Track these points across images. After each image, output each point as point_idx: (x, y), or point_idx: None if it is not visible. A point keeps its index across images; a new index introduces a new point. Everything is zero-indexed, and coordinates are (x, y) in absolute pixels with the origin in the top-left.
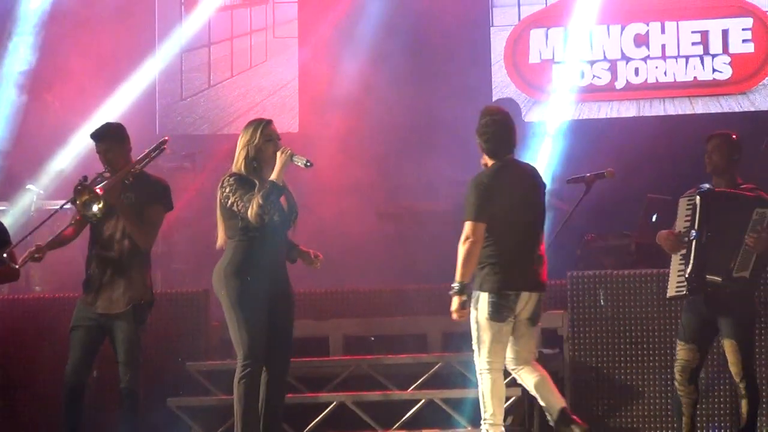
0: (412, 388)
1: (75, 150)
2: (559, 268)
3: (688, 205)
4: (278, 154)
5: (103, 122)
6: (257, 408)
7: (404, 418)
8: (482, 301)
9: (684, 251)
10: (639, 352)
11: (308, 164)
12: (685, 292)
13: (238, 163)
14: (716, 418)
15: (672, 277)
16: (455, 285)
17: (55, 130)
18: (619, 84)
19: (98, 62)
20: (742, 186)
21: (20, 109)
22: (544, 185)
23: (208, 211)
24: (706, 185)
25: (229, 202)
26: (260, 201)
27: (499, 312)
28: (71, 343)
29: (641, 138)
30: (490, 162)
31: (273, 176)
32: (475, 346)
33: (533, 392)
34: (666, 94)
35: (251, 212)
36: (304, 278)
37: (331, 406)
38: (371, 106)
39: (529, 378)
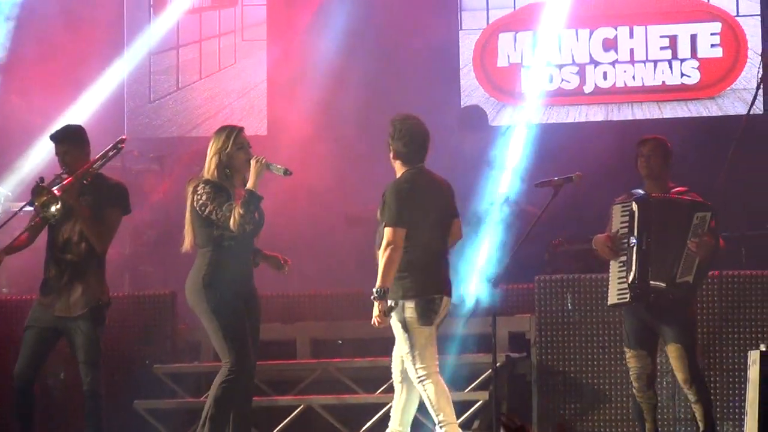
0: (379, 391)
1: (41, 152)
2: (527, 272)
3: (623, 211)
4: (252, 162)
5: (64, 124)
6: (229, 414)
7: (371, 421)
8: (409, 309)
9: (623, 258)
10: (606, 356)
11: (287, 173)
12: (628, 300)
13: (210, 170)
14: (681, 422)
15: (612, 285)
16: (377, 290)
17: (21, 131)
18: (588, 88)
19: (66, 63)
20: (674, 190)
21: None
22: (453, 192)
23: (176, 213)
24: (640, 190)
25: (207, 210)
26: (241, 211)
27: (428, 316)
28: (23, 343)
29: (609, 142)
30: (402, 168)
31: (249, 185)
32: (408, 356)
33: (399, 407)
34: (634, 98)
35: (233, 222)
36: (272, 281)
37: (298, 409)
38: (341, 108)
39: (413, 394)
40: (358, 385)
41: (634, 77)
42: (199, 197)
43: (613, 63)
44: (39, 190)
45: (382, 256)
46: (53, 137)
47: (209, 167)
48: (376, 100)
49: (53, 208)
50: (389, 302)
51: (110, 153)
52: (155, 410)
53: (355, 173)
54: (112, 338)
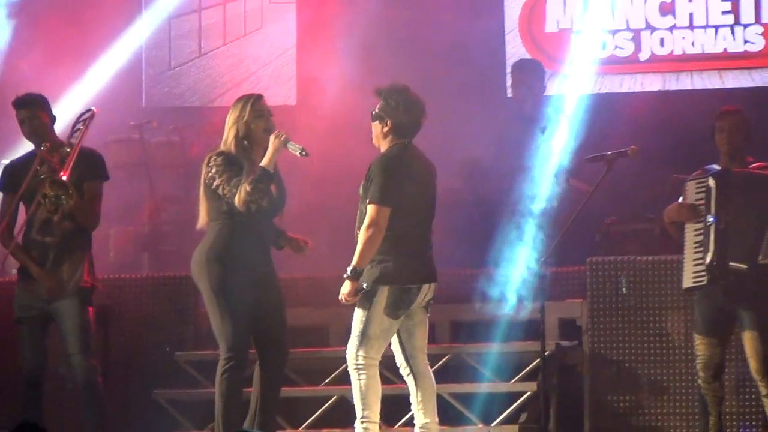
0: None
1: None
2: (578, 255)
3: (699, 187)
4: (272, 138)
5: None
6: (239, 405)
7: (409, 414)
8: (380, 295)
9: (699, 238)
10: (664, 344)
11: (303, 153)
12: (705, 282)
13: (227, 142)
14: (747, 416)
15: (687, 267)
16: (352, 269)
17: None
18: (643, 56)
19: (79, 28)
20: (754, 165)
21: None
22: (436, 173)
23: (197, 189)
24: (716, 166)
25: (215, 183)
26: (248, 188)
27: (397, 308)
28: (21, 338)
29: (667, 114)
30: (391, 142)
31: (264, 161)
32: (355, 339)
33: (417, 400)
34: (693, 66)
35: (238, 199)
36: (304, 263)
37: (331, 400)
38: (375, 75)
39: (423, 375)
40: (395, 374)
41: (693, 44)
42: (209, 169)
43: (670, 28)
44: (51, 182)
45: (362, 235)
46: (20, 102)
47: (226, 138)
48: (415, 67)
49: (64, 201)
50: (363, 284)
51: (84, 126)
52: (176, 400)
53: None
54: (130, 323)
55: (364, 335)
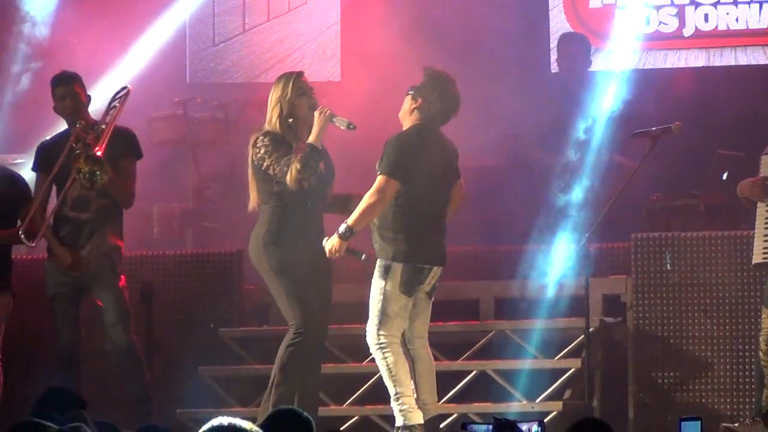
0: (462, 358)
1: (94, 102)
2: (623, 230)
3: None
4: (316, 114)
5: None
6: (295, 379)
7: (454, 391)
8: (394, 272)
9: None
10: (708, 320)
11: (351, 126)
12: None
13: (271, 121)
14: None
15: (758, 242)
16: (346, 228)
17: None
18: (688, 31)
19: (123, 4)
20: None
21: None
22: (457, 154)
23: (241, 166)
24: None
25: (264, 164)
26: (299, 166)
27: (411, 285)
28: (56, 315)
29: (711, 90)
30: (412, 119)
31: (311, 138)
32: (375, 319)
33: (415, 381)
34: (738, 42)
35: (290, 178)
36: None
37: (375, 377)
38: (421, 52)
39: (420, 358)
40: (439, 351)
41: (737, 19)
42: (257, 150)
43: (715, 4)
44: (86, 157)
45: (365, 200)
46: (58, 79)
47: (270, 118)
48: (459, 42)
49: (100, 177)
50: (362, 256)
51: (117, 104)
52: (220, 377)
53: None
54: (174, 300)
55: (383, 314)
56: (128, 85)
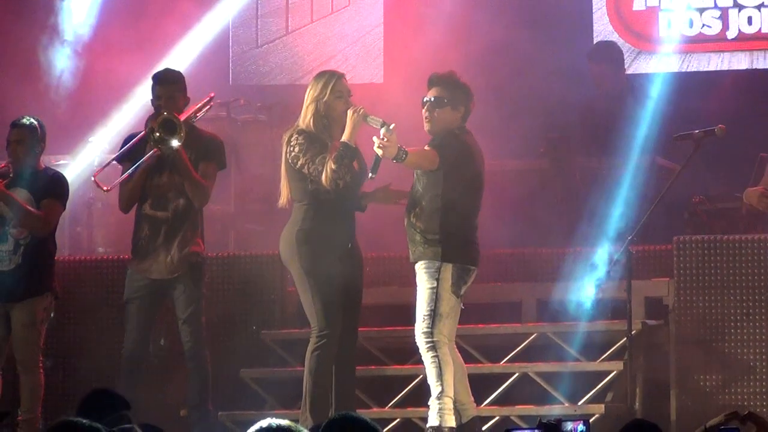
0: (504, 360)
1: (138, 103)
2: (666, 233)
3: None
4: (349, 112)
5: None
6: (329, 382)
7: (496, 393)
8: (446, 272)
9: None
10: (752, 323)
11: (385, 126)
12: None
13: (306, 119)
14: None
15: None
16: (405, 151)
17: (117, 80)
18: (731, 34)
19: (166, 4)
20: None
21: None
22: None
23: None
24: None
25: (299, 163)
26: (333, 165)
27: (460, 286)
28: (128, 318)
29: (754, 93)
30: (452, 121)
31: (345, 137)
32: (427, 319)
33: (442, 373)
34: None
35: (325, 177)
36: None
37: (417, 379)
38: (463, 56)
39: (452, 361)
40: (481, 353)
41: None
42: (291, 149)
43: (759, 6)
44: (166, 116)
45: (422, 151)
46: (159, 77)
47: (305, 116)
48: (502, 44)
49: (175, 142)
50: (370, 174)
51: (204, 107)
52: (263, 379)
53: (475, 126)
54: (216, 302)
55: (435, 313)
56: (212, 93)
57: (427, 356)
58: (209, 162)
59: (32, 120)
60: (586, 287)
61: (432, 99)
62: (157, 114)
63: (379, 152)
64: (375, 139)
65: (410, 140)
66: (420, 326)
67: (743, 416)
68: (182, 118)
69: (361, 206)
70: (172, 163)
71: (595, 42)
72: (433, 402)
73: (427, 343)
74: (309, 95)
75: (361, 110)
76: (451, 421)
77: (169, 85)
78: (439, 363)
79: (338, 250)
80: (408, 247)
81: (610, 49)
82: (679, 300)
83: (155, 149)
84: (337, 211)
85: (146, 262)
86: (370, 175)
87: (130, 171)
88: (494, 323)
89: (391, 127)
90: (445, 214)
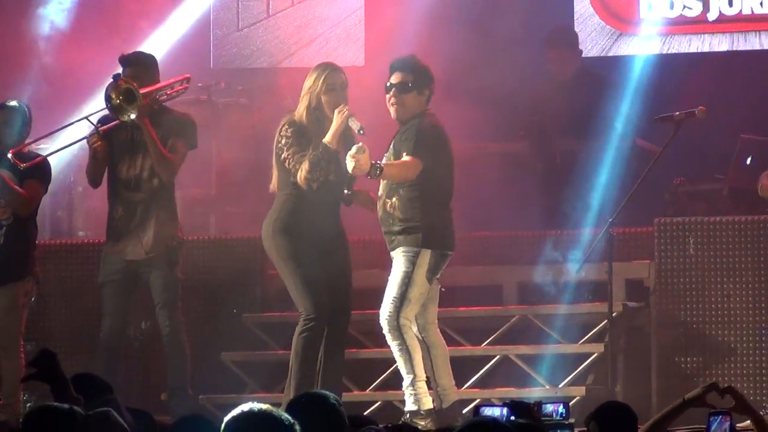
0: (485, 343)
1: None
2: (646, 215)
3: None
4: (336, 113)
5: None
6: (314, 365)
7: (477, 376)
8: (425, 258)
9: None
10: (732, 305)
11: (361, 132)
12: None
13: (299, 110)
14: None
15: None
16: (377, 168)
17: (96, 63)
18: (712, 15)
19: None
20: None
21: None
22: None
23: (265, 151)
24: None
25: (283, 155)
26: (307, 167)
27: (435, 272)
28: (104, 302)
29: (735, 74)
30: (419, 105)
31: (327, 138)
32: (396, 302)
33: (431, 367)
34: (762, 26)
35: (299, 176)
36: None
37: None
38: (444, 38)
39: (435, 344)
40: (462, 336)
41: (762, 3)
42: (280, 139)
43: None
44: (124, 84)
45: (406, 164)
46: (124, 59)
47: (299, 107)
48: (481, 26)
49: (132, 114)
50: (345, 191)
51: (176, 85)
52: (244, 362)
53: (457, 109)
54: (197, 285)
55: (404, 298)
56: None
57: (394, 344)
58: (177, 138)
59: (19, 103)
60: (567, 269)
61: (396, 84)
62: (116, 83)
63: (350, 169)
64: (348, 157)
65: (390, 124)
66: (386, 309)
67: (723, 389)
68: (145, 91)
69: (346, 200)
70: (146, 144)
71: (576, 24)
72: (407, 389)
73: (394, 326)
74: (305, 86)
75: (346, 111)
76: (428, 403)
77: (132, 66)
78: (408, 349)
79: (317, 241)
80: (384, 237)
81: (568, 33)
82: (660, 282)
83: (114, 121)
84: (318, 203)
85: (121, 244)
86: (345, 191)
87: (87, 135)
88: (475, 306)
89: (360, 145)
90: (424, 203)
